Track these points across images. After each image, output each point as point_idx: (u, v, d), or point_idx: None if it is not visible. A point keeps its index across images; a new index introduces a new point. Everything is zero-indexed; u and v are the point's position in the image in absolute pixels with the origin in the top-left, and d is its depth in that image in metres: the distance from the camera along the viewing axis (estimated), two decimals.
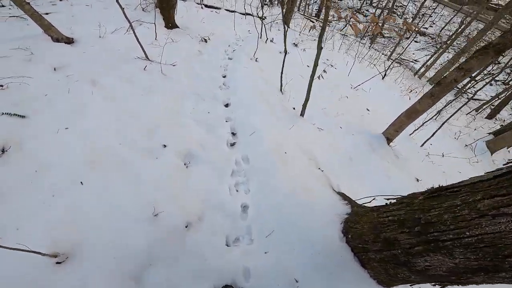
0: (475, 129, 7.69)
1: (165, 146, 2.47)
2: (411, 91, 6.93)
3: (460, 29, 12.62)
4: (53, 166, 1.91)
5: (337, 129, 3.79)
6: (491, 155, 6.37)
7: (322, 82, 5.25)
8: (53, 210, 1.67)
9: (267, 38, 5.54)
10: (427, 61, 13.79)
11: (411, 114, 3.54)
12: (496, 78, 17.78)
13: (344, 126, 3.91)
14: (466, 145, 6.32)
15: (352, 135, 3.80)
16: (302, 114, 3.45)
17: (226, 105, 3.38)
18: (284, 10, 8.88)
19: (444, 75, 3.15)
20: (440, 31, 21.62)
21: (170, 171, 2.24)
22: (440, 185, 1.33)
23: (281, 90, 3.95)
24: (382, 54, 14.94)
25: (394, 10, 19.69)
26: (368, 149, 3.66)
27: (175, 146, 2.50)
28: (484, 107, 11.29)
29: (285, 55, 3.59)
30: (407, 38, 21.59)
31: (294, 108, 3.72)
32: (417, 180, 3.73)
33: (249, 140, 2.82)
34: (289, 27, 8.76)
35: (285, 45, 3.50)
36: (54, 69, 2.88)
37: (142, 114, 2.73)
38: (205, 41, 5.00)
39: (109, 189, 1.91)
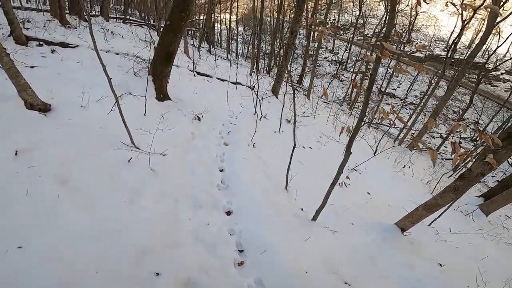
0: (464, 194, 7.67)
1: (158, 274, 1.88)
2: (404, 166, 6.91)
3: (429, 91, 13.64)
4: None
5: (349, 226, 3.41)
6: (486, 216, 6.41)
7: (318, 166, 5.09)
8: None
9: (261, 115, 5.34)
10: (404, 126, 14.54)
11: (431, 208, 3.26)
12: (464, 136, 19.14)
13: (355, 222, 3.54)
14: (465, 215, 6.22)
15: (366, 230, 3.46)
16: (314, 219, 3.00)
17: (228, 213, 2.82)
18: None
19: (469, 168, 2.89)
20: (407, 91, 23.79)
21: None
22: None
23: (286, 187, 3.50)
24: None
25: (366, 74, 21.87)
26: (384, 243, 3.31)
27: (171, 273, 1.91)
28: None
29: (292, 151, 3.26)
30: (380, 101, 23.57)
31: (302, 209, 3.25)
32: (440, 265, 3.32)
33: (260, 259, 2.29)
34: (277, 98, 9.08)
35: (294, 141, 3.19)
36: (16, 153, 2.34)
37: (127, 229, 2.13)
38: (199, 119, 4.67)
39: None
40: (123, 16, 15.46)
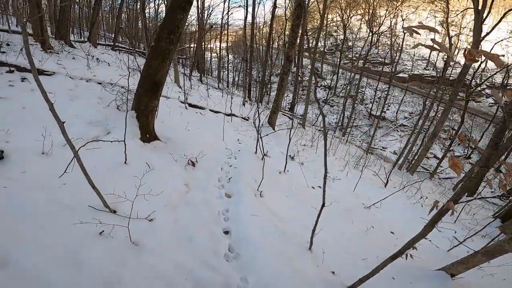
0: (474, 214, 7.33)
1: None
2: (421, 197, 6.35)
3: (424, 113, 13.69)
4: None
5: (392, 283, 2.72)
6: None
7: (332, 207, 4.50)
8: None
9: (263, 155, 4.67)
10: (403, 150, 14.45)
11: (494, 254, 2.71)
12: (457, 154, 19.32)
13: (395, 275, 2.85)
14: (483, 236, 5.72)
15: (410, 283, 2.83)
16: (355, 286, 2.27)
17: None
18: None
19: None
20: (397, 113, 24.14)
21: None
22: None
23: (310, 248, 2.80)
24: (355, 145, 15.61)
25: (355, 96, 22.15)
26: None
27: None
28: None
29: (321, 210, 2.61)
30: (371, 125, 23.79)
31: (333, 273, 2.55)
32: None
33: None
34: (273, 130, 8.56)
35: (323, 199, 2.55)
36: None
37: None
38: (193, 164, 3.87)
39: None
40: (113, 43, 15.09)
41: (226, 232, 2.73)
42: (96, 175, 2.29)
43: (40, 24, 7.31)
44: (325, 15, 15.63)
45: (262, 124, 8.46)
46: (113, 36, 17.77)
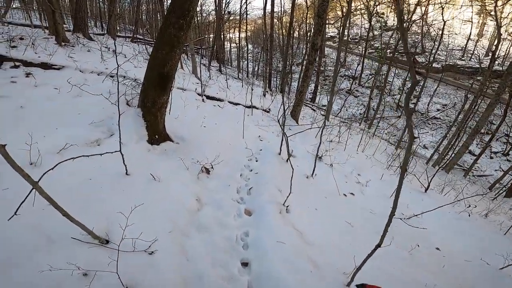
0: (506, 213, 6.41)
1: None
2: (469, 206, 5.39)
3: (467, 107, 12.31)
4: None
5: None
6: None
7: (368, 218, 3.83)
8: None
9: (289, 156, 4.01)
10: (438, 146, 13.18)
11: None
12: (494, 150, 17.42)
13: None
14: None
15: None
16: None
17: None
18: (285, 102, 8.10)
19: None
20: (428, 104, 22.24)
21: None
22: None
23: (349, 285, 2.16)
24: (383, 139, 14.42)
25: (382, 87, 20.76)
26: None
27: None
28: (497, 185, 10.56)
29: (374, 251, 1.95)
30: (399, 117, 22.08)
31: None
32: None
33: None
34: (297, 123, 7.84)
35: (382, 238, 1.93)
36: None
37: None
38: (207, 172, 3.27)
39: None
40: (132, 35, 14.87)
41: (245, 264, 2.17)
42: (90, 191, 1.83)
43: (52, 17, 7.05)
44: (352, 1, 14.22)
45: (284, 116, 7.81)
46: (133, 28, 17.62)
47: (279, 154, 4.29)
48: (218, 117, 5.68)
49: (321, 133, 3.79)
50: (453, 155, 11.50)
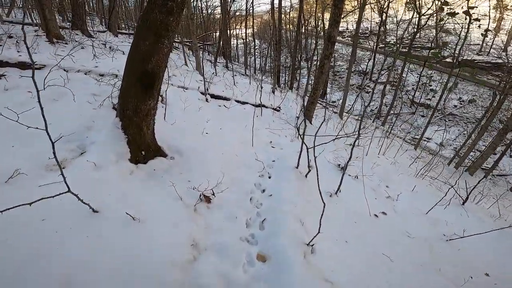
0: None
1: None
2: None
3: (494, 105, 11.24)
4: None
5: None
6: None
7: (408, 245, 3.07)
8: None
9: (309, 169, 3.23)
10: (462, 146, 12.18)
11: None
12: None
13: None
14: None
15: None
16: None
17: None
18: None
19: None
20: (444, 101, 21.02)
21: None
22: None
23: None
24: (399, 137, 13.43)
25: (394, 83, 19.70)
26: None
27: None
28: None
29: None
30: (413, 113, 20.90)
31: None
32: None
33: None
34: (311, 123, 7.08)
35: None
36: None
37: None
38: (208, 200, 2.49)
39: None
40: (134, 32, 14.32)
41: None
42: (40, 239, 1.14)
43: (42, 13, 6.49)
44: None
45: (297, 117, 7.01)
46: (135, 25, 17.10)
47: (297, 167, 3.53)
48: (224, 120, 4.97)
49: (353, 145, 3.00)
50: (476, 156, 10.57)
